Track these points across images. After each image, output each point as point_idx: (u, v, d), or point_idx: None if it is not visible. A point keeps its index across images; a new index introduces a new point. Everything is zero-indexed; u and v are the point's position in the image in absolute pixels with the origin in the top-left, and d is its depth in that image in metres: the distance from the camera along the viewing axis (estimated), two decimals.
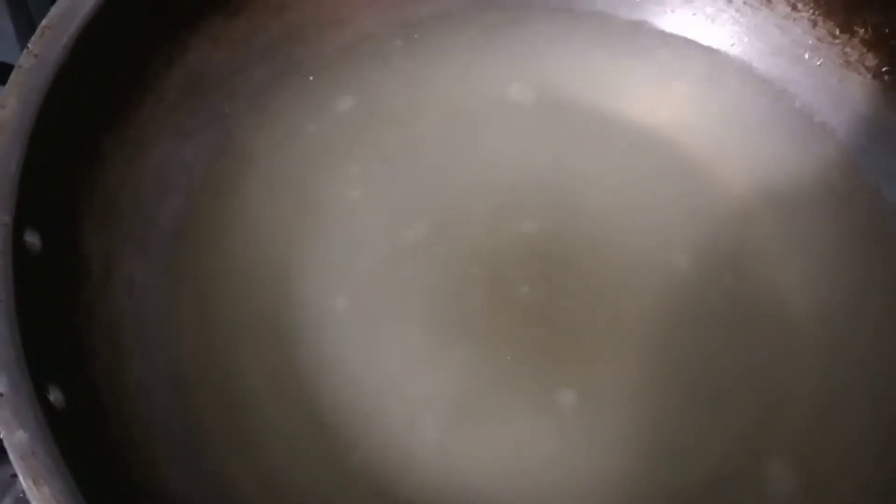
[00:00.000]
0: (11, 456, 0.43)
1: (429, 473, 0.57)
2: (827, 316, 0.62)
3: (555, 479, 0.57)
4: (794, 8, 0.70)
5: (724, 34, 0.73)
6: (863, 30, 0.67)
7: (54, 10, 0.54)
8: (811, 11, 0.69)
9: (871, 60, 0.67)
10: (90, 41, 0.55)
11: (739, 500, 0.56)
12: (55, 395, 0.47)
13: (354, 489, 0.56)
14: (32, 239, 0.50)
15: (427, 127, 0.70)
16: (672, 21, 0.74)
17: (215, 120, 0.66)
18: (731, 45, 0.73)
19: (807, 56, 0.70)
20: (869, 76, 0.68)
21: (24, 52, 0.52)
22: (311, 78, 0.70)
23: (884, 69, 0.67)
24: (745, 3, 0.71)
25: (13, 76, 0.52)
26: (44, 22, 0.54)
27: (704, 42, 0.73)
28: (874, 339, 0.62)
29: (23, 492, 0.56)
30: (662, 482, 0.57)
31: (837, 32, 0.68)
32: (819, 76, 0.70)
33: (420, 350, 0.61)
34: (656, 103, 0.71)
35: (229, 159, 0.66)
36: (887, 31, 0.66)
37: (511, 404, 0.59)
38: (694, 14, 0.73)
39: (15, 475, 0.44)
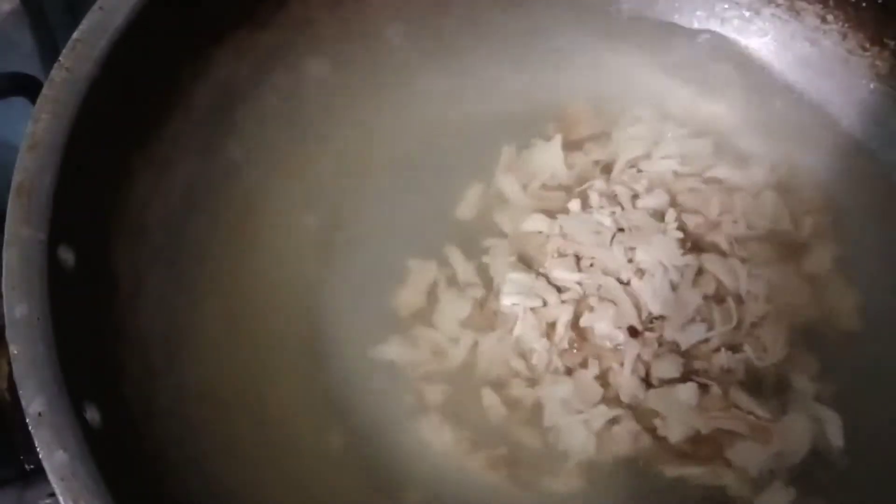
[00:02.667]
0: (51, 476, 0.42)
1: (443, 476, 0.57)
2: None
3: None
4: (824, 20, 0.69)
5: (751, 46, 0.72)
6: (893, 42, 0.66)
7: (85, 24, 0.54)
8: (841, 24, 0.69)
9: None
10: (120, 55, 0.54)
11: None
12: (91, 414, 0.46)
13: None
14: (66, 255, 0.49)
15: (453, 139, 0.69)
16: (706, 26, 0.73)
17: (242, 135, 0.66)
18: (760, 57, 0.72)
19: (836, 68, 0.70)
20: None
21: (56, 65, 0.52)
22: (335, 92, 0.70)
23: None
24: (773, 14, 0.71)
25: (45, 90, 0.51)
26: (75, 35, 0.53)
27: (732, 53, 0.73)
28: None
29: None
30: None
31: (867, 45, 0.68)
32: (849, 89, 0.69)
33: None
34: (681, 112, 0.71)
35: (256, 174, 0.66)
36: None
37: None
38: (722, 25, 0.73)
39: (52, 494, 0.43)
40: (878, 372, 0.60)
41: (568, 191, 0.67)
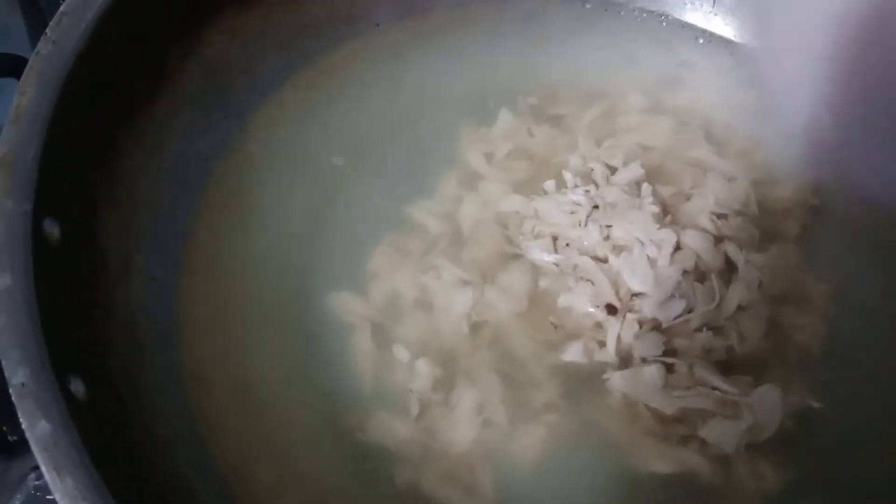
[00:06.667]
0: (34, 447, 0.41)
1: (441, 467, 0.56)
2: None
3: None
4: None
5: (744, 27, 0.72)
6: None
7: None
8: None
9: None
10: (107, 29, 0.54)
11: None
12: (76, 386, 0.45)
13: (373, 483, 0.55)
14: (52, 229, 0.49)
15: (440, 121, 0.69)
16: (692, 14, 0.73)
17: (230, 114, 0.66)
18: (748, 39, 0.72)
19: None
20: None
21: (42, 37, 0.52)
22: (324, 72, 0.70)
23: None
24: None
25: (32, 62, 0.51)
26: (62, 8, 0.53)
27: (725, 35, 0.73)
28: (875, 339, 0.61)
29: (34, 489, 0.55)
30: None
31: None
32: None
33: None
34: (673, 97, 0.71)
35: (244, 153, 0.66)
36: None
37: None
38: (713, 6, 0.73)
39: (36, 467, 0.42)
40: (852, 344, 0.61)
41: (537, 162, 0.67)
